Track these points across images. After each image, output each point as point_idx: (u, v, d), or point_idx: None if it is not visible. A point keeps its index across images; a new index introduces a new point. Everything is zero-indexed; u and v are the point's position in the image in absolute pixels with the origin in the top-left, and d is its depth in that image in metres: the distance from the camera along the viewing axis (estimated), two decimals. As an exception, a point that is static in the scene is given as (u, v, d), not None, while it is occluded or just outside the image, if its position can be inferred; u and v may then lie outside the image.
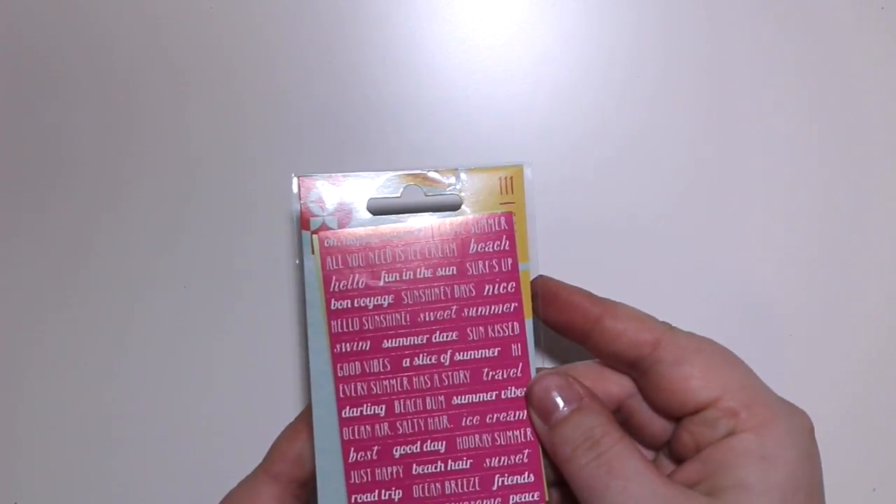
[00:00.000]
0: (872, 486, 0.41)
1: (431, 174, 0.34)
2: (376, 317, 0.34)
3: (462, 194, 0.34)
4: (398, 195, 0.34)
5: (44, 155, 0.41)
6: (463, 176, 0.34)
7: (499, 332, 0.34)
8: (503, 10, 0.42)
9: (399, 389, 0.34)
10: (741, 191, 0.42)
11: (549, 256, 0.40)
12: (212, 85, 0.42)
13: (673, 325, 0.34)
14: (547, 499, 0.34)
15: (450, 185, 0.34)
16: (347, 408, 0.33)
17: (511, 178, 0.34)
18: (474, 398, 0.34)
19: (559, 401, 0.33)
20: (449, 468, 0.33)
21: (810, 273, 0.41)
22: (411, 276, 0.34)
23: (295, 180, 0.34)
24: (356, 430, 0.33)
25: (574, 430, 0.32)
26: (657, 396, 0.33)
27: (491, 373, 0.34)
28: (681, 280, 0.41)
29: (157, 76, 0.42)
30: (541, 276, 0.35)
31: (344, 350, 0.33)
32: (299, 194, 0.34)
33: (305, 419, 0.34)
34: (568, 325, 0.35)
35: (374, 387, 0.33)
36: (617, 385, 0.35)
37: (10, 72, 0.42)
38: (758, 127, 0.42)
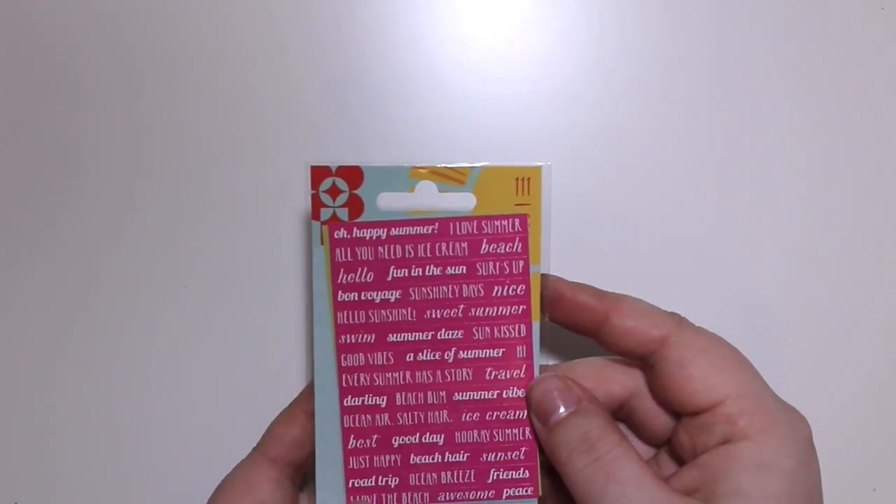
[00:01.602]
0: (872, 487, 0.41)
1: (446, 170, 0.33)
2: (382, 311, 0.34)
3: (476, 193, 0.33)
4: (411, 191, 0.33)
5: (43, 154, 0.41)
6: (479, 174, 0.33)
7: (505, 333, 0.34)
8: (504, 10, 0.41)
9: (401, 383, 0.34)
10: (744, 191, 0.41)
11: (551, 256, 0.39)
12: (217, 83, 0.41)
13: (682, 316, 0.34)
14: (540, 493, 0.34)
15: (464, 182, 0.33)
16: (349, 397, 0.34)
17: (528, 179, 0.33)
18: (475, 396, 0.34)
19: (558, 403, 0.33)
20: (446, 460, 0.34)
21: (812, 274, 0.41)
22: (420, 274, 0.33)
23: (307, 168, 0.33)
24: (357, 418, 0.34)
25: (571, 431, 0.32)
26: (661, 394, 0.34)
27: (494, 372, 0.34)
28: (681, 280, 0.41)
29: (160, 75, 0.41)
30: (545, 275, 0.35)
31: (348, 341, 0.34)
32: (311, 183, 0.33)
33: (301, 404, 0.34)
34: (576, 324, 0.34)
35: (376, 378, 0.34)
36: (619, 385, 0.35)
37: (17, 71, 0.41)
38: (758, 127, 0.41)
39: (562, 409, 0.33)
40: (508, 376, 0.34)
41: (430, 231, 0.33)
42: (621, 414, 0.35)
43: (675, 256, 0.41)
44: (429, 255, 0.33)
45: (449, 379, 0.34)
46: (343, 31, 0.41)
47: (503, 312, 0.34)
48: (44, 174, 0.41)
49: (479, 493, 0.34)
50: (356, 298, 0.34)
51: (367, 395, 0.34)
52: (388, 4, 0.41)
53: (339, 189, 0.33)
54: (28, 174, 0.41)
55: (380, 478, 0.34)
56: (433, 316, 0.34)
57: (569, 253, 0.40)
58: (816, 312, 0.41)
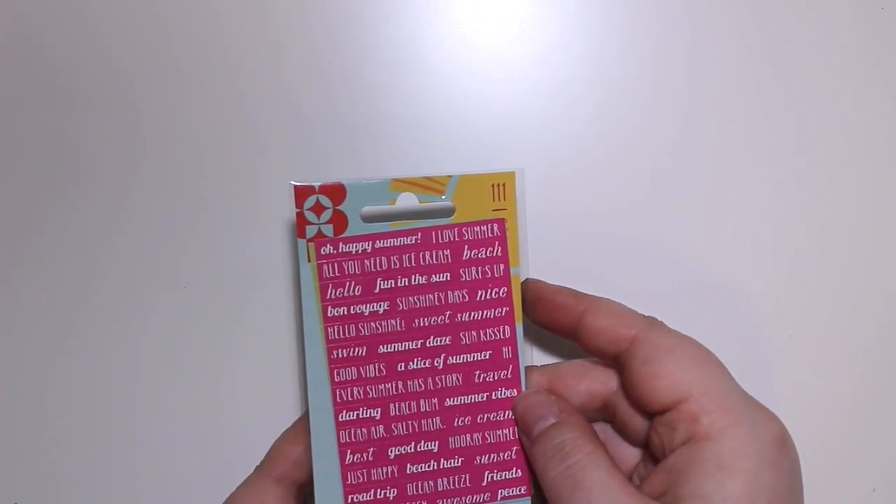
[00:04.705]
0: (872, 487, 0.40)
1: (425, 181, 0.34)
2: (372, 323, 0.34)
3: (455, 201, 0.34)
4: (393, 202, 0.34)
5: (46, 156, 0.40)
6: (456, 183, 0.34)
7: (490, 335, 0.35)
8: (503, 10, 0.42)
9: (394, 393, 0.34)
10: (742, 195, 0.42)
11: (551, 256, 0.40)
12: (212, 85, 0.41)
13: (658, 319, 0.35)
14: (532, 492, 0.35)
15: (443, 191, 0.34)
16: (344, 412, 0.34)
17: (503, 185, 0.35)
18: (466, 399, 0.35)
19: (539, 416, 0.34)
20: (441, 466, 0.35)
21: (811, 274, 0.41)
22: (406, 283, 0.34)
23: (291, 188, 0.33)
24: (352, 433, 0.34)
25: (548, 442, 0.33)
26: (630, 393, 0.34)
27: (482, 375, 0.35)
28: (680, 283, 0.41)
29: (159, 79, 0.41)
30: (528, 279, 0.36)
31: (340, 356, 0.34)
32: (295, 202, 0.34)
33: (305, 423, 0.34)
34: (555, 324, 0.36)
35: (369, 391, 0.34)
36: (600, 383, 0.36)
37: (13, 75, 0.41)
38: (759, 128, 0.42)
39: (542, 422, 0.33)
40: (496, 377, 0.35)
41: (413, 241, 0.34)
42: (606, 414, 0.36)
43: (678, 257, 0.41)
44: (413, 264, 0.34)
45: (440, 385, 0.35)
46: (342, 31, 0.41)
47: (488, 316, 0.35)
48: (46, 180, 0.40)
49: (475, 497, 0.35)
50: (345, 313, 0.34)
51: (361, 409, 0.34)
52: (388, 4, 0.41)
53: (322, 206, 0.34)
54: (32, 182, 0.40)
55: (378, 491, 0.34)
56: (421, 324, 0.34)
57: (570, 252, 0.41)
58: (815, 312, 0.41)
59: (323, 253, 0.34)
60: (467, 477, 0.35)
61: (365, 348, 0.34)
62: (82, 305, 0.40)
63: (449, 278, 0.35)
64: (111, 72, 0.41)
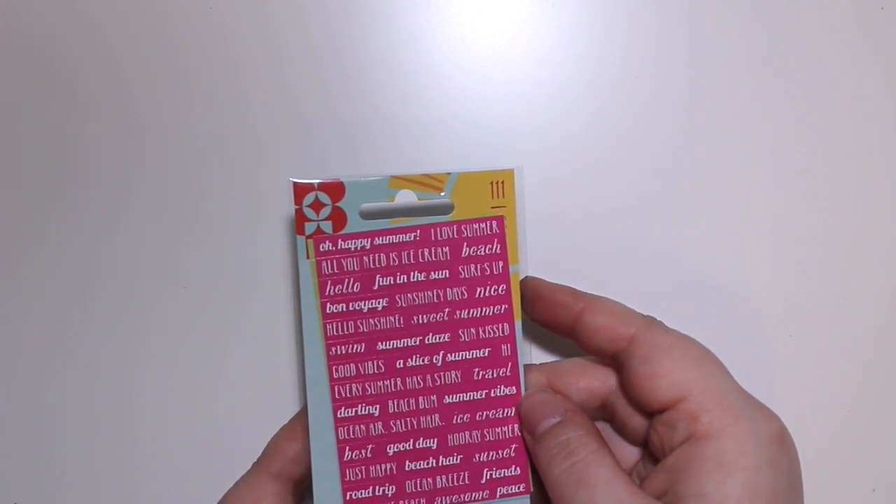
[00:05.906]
0: (872, 487, 0.41)
1: (424, 178, 0.34)
2: (370, 320, 0.34)
3: (454, 198, 0.35)
4: (392, 199, 0.34)
5: (45, 155, 0.41)
6: (455, 180, 0.34)
7: (489, 332, 0.35)
8: (503, 10, 0.42)
9: (393, 390, 0.34)
10: (742, 195, 0.42)
11: (551, 255, 0.40)
12: (211, 84, 0.41)
13: (657, 319, 0.35)
14: (532, 490, 0.35)
15: (442, 189, 0.34)
16: (342, 408, 0.34)
17: (502, 182, 0.35)
18: (465, 397, 0.35)
19: (544, 414, 0.34)
20: (440, 464, 0.35)
21: (810, 274, 0.41)
22: (405, 280, 0.34)
23: (290, 185, 0.34)
24: (351, 429, 0.34)
25: (553, 440, 0.33)
26: (629, 392, 0.34)
27: (481, 372, 0.35)
28: (680, 283, 0.41)
29: (159, 78, 0.41)
30: (527, 276, 0.36)
31: (339, 353, 0.34)
32: (294, 199, 0.34)
33: (301, 419, 0.34)
34: (553, 322, 0.36)
35: (368, 388, 0.34)
36: (599, 381, 0.36)
37: (13, 75, 0.41)
38: (759, 128, 0.42)
39: (548, 420, 0.33)
40: (495, 375, 0.35)
41: (412, 238, 0.34)
42: (605, 413, 0.36)
43: (677, 257, 0.41)
44: (412, 261, 0.34)
45: (439, 382, 0.35)
46: (341, 31, 0.41)
47: (486, 313, 0.35)
48: (45, 179, 0.40)
49: (473, 495, 0.35)
50: (344, 309, 0.34)
51: (360, 405, 0.34)
52: (387, 4, 0.41)
53: (322, 203, 0.34)
54: (31, 182, 0.40)
55: (377, 488, 0.34)
56: (420, 321, 0.34)
57: (567, 252, 0.41)
58: (815, 312, 0.41)
59: (322, 249, 0.34)
60: (466, 474, 0.35)
61: (364, 345, 0.34)
62: (82, 304, 0.40)
63: (448, 275, 0.35)
64: (111, 71, 0.41)
